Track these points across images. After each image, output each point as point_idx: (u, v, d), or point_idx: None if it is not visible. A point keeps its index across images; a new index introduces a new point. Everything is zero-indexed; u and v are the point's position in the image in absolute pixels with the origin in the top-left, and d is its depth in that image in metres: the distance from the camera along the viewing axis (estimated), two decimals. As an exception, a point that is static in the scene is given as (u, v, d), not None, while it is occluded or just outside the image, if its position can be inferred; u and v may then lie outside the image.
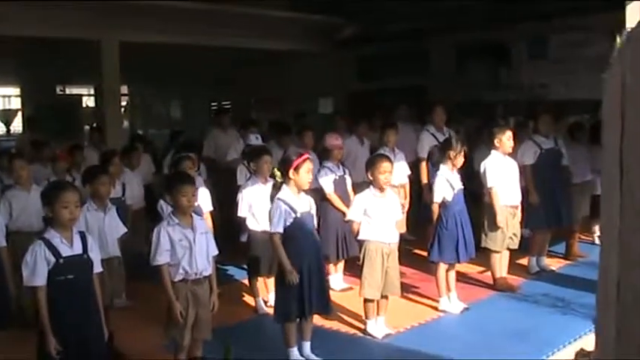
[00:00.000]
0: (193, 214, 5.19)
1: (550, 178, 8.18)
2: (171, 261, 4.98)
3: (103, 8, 10.29)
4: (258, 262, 6.99)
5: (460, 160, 7.01)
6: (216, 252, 5.29)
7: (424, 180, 8.88)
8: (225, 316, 5.84)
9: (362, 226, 6.24)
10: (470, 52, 13.50)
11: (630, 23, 6.00)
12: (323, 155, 8.02)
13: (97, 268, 4.69)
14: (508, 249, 7.61)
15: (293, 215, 5.52)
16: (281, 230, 5.53)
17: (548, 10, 11.00)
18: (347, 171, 7.94)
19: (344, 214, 7.09)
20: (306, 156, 5.73)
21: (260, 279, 7.20)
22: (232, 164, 9.01)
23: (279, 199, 5.55)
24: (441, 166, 7.07)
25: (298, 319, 5.68)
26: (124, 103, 17.66)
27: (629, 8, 6.15)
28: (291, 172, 5.54)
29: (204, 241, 5.14)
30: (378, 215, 6.18)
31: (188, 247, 5.00)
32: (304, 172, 5.56)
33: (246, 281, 7.57)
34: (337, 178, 7.74)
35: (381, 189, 6.20)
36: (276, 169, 5.74)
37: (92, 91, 20.69)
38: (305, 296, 5.53)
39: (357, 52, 14.94)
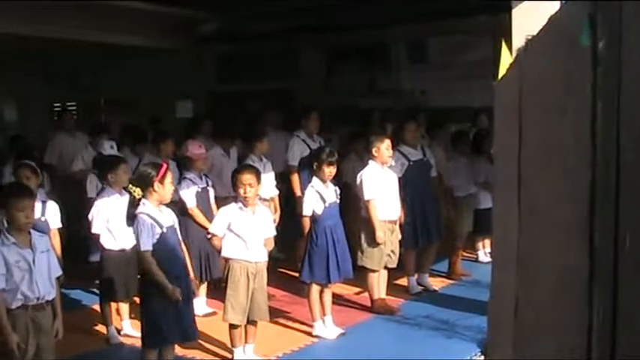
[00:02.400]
0: (32, 231, 5.02)
1: (419, 192, 8.32)
2: (7, 286, 4.80)
3: None
4: (112, 285, 6.82)
5: (331, 171, 7.08)
6: (59, 272, 5.17)
7: (296, 191, 8.79)
8: (70, 347, 5.70)
9: (226, 242, 6.23)
10: (344, 54, 13.68)
11: (517, 27, 6.22)
12: (184, 165, 7.93)
13: None
14: (386, 268, 7.74)
15: (159, 231, 5.49)
16: (151, 247, 5.48)
17: (427, 11, 11.29)
18: (210, 182, 7.88)
19: (207, 230, 7.04)
20: (165, 166, 5.78)
21: (113, 304, 7.03)
22: (77, 175, 8.80)
23: (142, 213, 5.50)
24: (313, 177, 7.14)
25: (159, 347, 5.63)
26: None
27: (516, 11, 6.33)
28: (156, 185, 5.53)
29: (46, 261, 4.98)
30: (244, 232, 6.18)
31: (27, 269, 4.84)
32: (168, 182, 5.62)
33: (95, 307, 7.39)
34: (200, 190, 7.68)
35: (245, 203, 6.20)
36: (132, 186, 5.65)
37: None
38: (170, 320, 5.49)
39: (218, 50, 14.87)
